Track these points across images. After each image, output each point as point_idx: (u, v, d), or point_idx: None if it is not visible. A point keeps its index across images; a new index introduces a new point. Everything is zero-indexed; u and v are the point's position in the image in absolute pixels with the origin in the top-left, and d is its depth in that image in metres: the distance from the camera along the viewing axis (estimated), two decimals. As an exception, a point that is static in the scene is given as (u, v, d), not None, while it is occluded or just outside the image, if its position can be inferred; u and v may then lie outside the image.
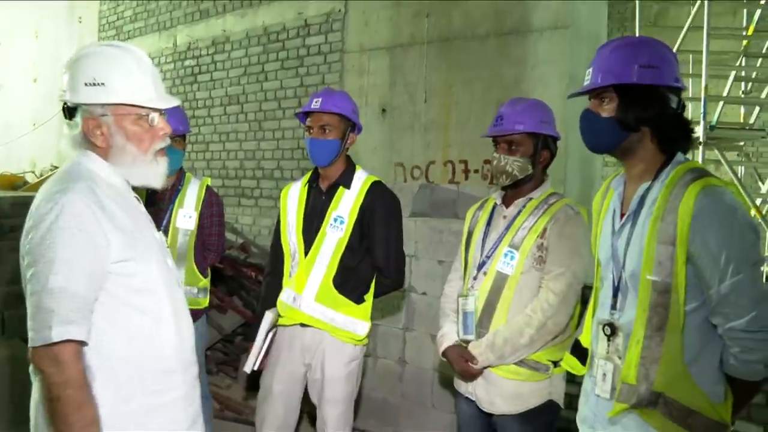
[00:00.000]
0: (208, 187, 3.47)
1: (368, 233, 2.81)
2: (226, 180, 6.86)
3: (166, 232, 3.28)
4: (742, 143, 6.95)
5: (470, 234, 2.62)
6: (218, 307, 5.30)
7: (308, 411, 3.13)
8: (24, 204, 3.73)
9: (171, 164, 3.25)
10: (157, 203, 3.30)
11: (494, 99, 4.65)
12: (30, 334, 1.52)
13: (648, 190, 1.79)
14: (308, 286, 2.78)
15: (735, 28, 7.31)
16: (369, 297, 2.86)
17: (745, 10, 7.13)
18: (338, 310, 2.78)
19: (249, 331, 3.06)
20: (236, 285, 5.68)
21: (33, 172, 9.25)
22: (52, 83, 9.64)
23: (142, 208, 1.82)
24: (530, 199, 2.49)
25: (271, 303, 2.89)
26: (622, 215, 1.87)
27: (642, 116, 1.76)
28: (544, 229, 2.39)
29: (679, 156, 1.81)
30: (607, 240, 1.90)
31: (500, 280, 2.41)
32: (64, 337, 1.49)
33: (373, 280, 2.87)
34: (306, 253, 2.80)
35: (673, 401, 1.68)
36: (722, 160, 6.12)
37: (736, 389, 1.72)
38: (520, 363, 2.38)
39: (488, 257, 2.47)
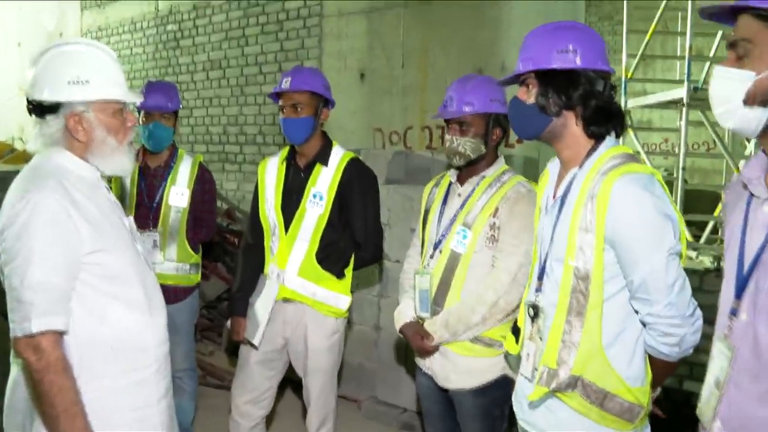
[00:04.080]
0: (200, 164, 3.48)
1: (347, 209, 2.85)
2: (210, 146, 6.87)
3: (158, 209, 3.32)
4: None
5: (427, 211, 2.65)
6: (202, 274, 5.34)
7: (294, 382, 3.19)
8: (2, 179, 3.76)
9: (161, 141, 3.31)
10: (150, 180, 3.34)
11: (470, 62, 4.63)
12: (11, 325, 1.63)
13: (575, 176, 1.80)
14: (291, 262, 2.83)
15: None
16: (349, 271, 2.92)
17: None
18: (320, 285, 2.83)
19: (231, 301, 3.09)
20: (220, 251, 5.73)
21: (21, 138, 9.23)
22: (36, 47, 9.58)
23: (111, 197, 1.92)
24: (483, 177, 2.50)
25: (252, 275, 2.95)
26: (554, 198, 1.88)
27: (561, 101, 1.77)
28: (496, 208, 2.41)
29: (608, 141, 1.81)
30: (540, 223, 1.93)
31: (454, 259, 2.44)
32: (43, 329, 1.60)
33: (352, 255, 2.91)
34: (286, 230, 2.84)
35: (590, 383, 1.72)
36: (705, 122, 6.10)
37: (654, 367, 1.78)
38: (474, 340, 2.42)
39: (443, 236, 2.50)
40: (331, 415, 2.97)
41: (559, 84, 1.77)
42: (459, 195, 2.53)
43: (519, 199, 2.40)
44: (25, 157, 7.81)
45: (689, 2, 5.90)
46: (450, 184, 2.60)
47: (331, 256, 2.84)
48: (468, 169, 2.53)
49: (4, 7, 10.35)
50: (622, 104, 6.60)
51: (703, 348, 3.00)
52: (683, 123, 5.86)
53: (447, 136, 2.49)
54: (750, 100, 1.32)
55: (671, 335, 1.68)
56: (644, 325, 1.73)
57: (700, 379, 2.84)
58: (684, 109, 5.86)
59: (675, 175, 6.01)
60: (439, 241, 2.51)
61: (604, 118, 1.79)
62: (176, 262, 3.35)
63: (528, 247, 2.32)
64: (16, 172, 1.82)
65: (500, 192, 2.43)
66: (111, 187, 1.98)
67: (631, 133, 6.61)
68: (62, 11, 9.03)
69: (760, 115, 1.33)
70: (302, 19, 5.88)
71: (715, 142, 7.72)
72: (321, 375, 2.90)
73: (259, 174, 3.01)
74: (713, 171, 9.68)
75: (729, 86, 1.36)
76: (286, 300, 2.84)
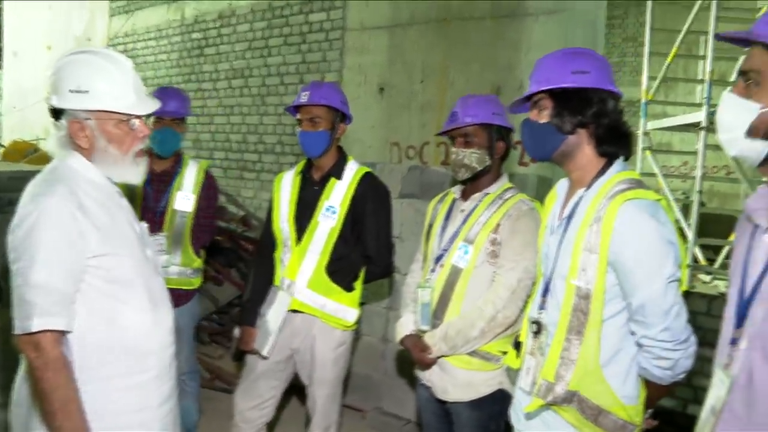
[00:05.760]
0: (206, 170, 3.53)
1: (359, 223, 2.88)
2: (229, 153, 6.94)
3: (164, 214, 3.35)
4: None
5: (430, 227, 2.70)
6: (214, 278, 5.41)
7: (298, 389, 3.23)
8: (22, 178, 3.84)
9: (172, 146, 3.33)
10: (156, 184, 3.38)
11: (489, 82, 4.65)
12: (15, 323, 1.69)
13: (582, 197, 1.85)
14: (301, 273, 2.86)
15: (745, 9, 7.17)
16: (358, 284, 2.95)
17: (761, -6, 7.00)
18: (329, 297, 2.86)
19: (242, 310, 3.13)
20: (234, 257, 5.78)
21: (44, 139, 9.39)
22: (65, 51, 9.75)
23: (124, 202, 1.96)
24: (487, 193, 2.54)
25: (263, 286, 2.98)
26: (560, 218, 1.92)
27: (576, 118, 1.82)
28: (498, 225, 2.45)
29: (617, 164, 1.85)
30: (545, 242, 1.97)
31: (455, 273, 2.48)
32: (43, 328, 1.66)
33: (362, 268, 2.95)
34: (298, 241, 2.87)
35: (586, 399, 1.77)
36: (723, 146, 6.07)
37: (648, 389, 1.82)
38: (473, 353, 2.45)
39: (445, 250, 2.54)
40: (334, 426, 3.00)
41: (573, 102, 1.82)
42: (462, 211, 2.58)
43: (521, 216, 2.44)
44: (48, 158, 7.96)
45: (711, 26, 5.90)
46: (454, 200, 2.65)
47: (341, 269, 2.88)
48: (472, 186, 2.57)
49: (36, 11, 10.56)
50: (641, 126, 6.60)
51: (707, 373, 3.02)
52: (701, 146, 5.85)
53: (453, 149, 2.55)
54: (753, 132, 1.33)
55: (665, 359, 1.71)
56: (639, 346, 1.76)
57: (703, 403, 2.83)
58: (702, 133, 5.85)
59: (692, 198, 5.99)
60: (441, 256, 2.55)
61: (616, 137, 1.84)
62: (180, 266, 3.38)
63: (527, 263, 2.37)
64: (38, 172, 1.90)
65: (502, 209, 2.47)
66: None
67: (649, 155, 6.60)
68: (91, 17, 9.20)
69: (761, 148, 1.33)
70: (325, 32, 5.94)
71: (734, 166, 7.69)
72: (326, 385, 2.93)
73: (274, 186, 3.06)
74: (732, 195, 9.61)
75: (735, 115, 1.36)
76: (295, 311, 2.87)
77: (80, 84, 1.78)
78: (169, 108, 3.29)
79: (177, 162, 3.44)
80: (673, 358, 1.71)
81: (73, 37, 9.58)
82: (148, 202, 3.35)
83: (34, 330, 1.65)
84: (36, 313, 1.65)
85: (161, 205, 3.37)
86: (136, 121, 1.86)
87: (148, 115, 2.94)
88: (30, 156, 7.78)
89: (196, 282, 3.51)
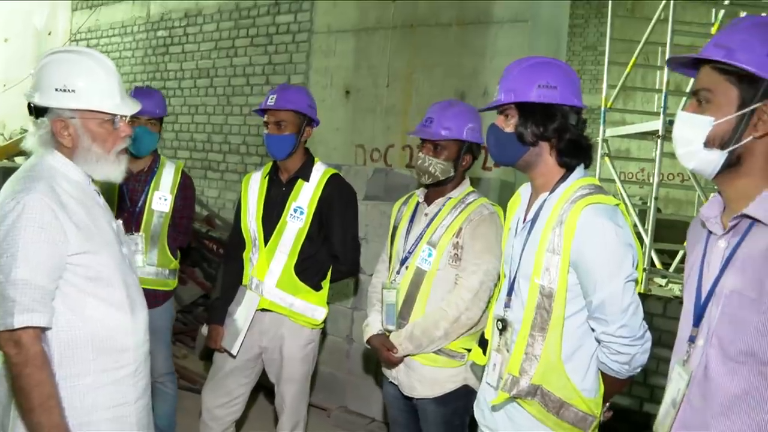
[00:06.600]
0: (183, 171, 3.53)
1: (326, 223, 2.92)
2: (193, 152, 6.91)
3: (141, 213, 3.34)
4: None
5: (395, 228, 2.77)
6: (179, 278, 5.38)
7: (266, 388, 3.25)
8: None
9: (147, 146, 3.33)
10: (133, 184, 3.37)
11: (453, 87, 4.74)
12: None
13: (545, 201, 1.93)
14: (270, 273, 2.89)
15: (701, 23, 7.41)
16: (326, 283, 2.99)
17: (713, 9, 7.23)
18: (298, 296, 2.90)
19: (210, 309, 3.14)
20: (198, 257, 5.76)
21: (2, 134, 9.20)
22: (23, 44, 9.58)
23: (101, 200, 1.99)
24: (450, 198, 2.62)
25: (233, 285, 3.02)
26: (524, 221, 2.01)
27: (539, 132, 1.90)
28: (460, 229, 2.53)
29: (578, 171, 1.95)
30: (509, 243, 2.06)
31: (419, 275, 2.56)
32: (24, 324, 1.67)
33: (330, 267, 2.99)
34: (266, 242, 2.91)
35: (548, 393, 1.87)
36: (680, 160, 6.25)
37: (605, 383, 1.93)
38: (438, 351, 2.53)
39: (410, 253, 2.62)
40: (302, 423, 3.05)
41: (537, 116, 1.90)
42: (426, 215, 2.65)
43: (482, 220, 2.52)
44: (6, 152, 7.77)
45: (668, 38, 6.07)
46: (417, 203, 2.72)
47: (309, 268, 2.92)
48: (435, 190, 2.65)
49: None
50: (600, 133, 6.77)
51: (662, 372, 3.14)
52: (658, 154, 6.03)
53: (420, 154, 2.60)
54: (710, 143, 1.42)
55: (622, 354, 1.82)
56: (599, 342, 1.87)
57: (659, 401, 2.98)
58: (659, 141, 6.02)
59: (648, 204, 6.16)
60: (406, 258, 2.62)
61: (576, 150, 1.93)
62: (156, 266, 3.38)
63: (489, 266, 2.46)
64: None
65: (464, 213, 2.55)
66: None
67: (608, 161, 6.77)
68: (53, 10, 9.04)
69: (717, 158, 1.41)
70: (292, 34, 5.96)
71: (688, 174, 7.92)
72: (294, 383, 2.97)
73: (242, 187, 3.09)
74: (687, 202, 9.89)
75: (690, 130, 1.44)
76: (263, 310, 2.91)
77: (66, 83, 1.80)
78: (146, 108, 3.28)
79: (154, 162, 3.44)
80: (630, 353, 1.82)
81: (32, 30, 9.40)
82: (125, 202, 3.34)
83: (15, 326, 1.66)
84: (17, 309, 1.66)
85: (138, 205, 3.36)
86: (119, 121, 1.89)
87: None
88: (-13, 152, 7.63)
89: (173, 284, 3.52)
